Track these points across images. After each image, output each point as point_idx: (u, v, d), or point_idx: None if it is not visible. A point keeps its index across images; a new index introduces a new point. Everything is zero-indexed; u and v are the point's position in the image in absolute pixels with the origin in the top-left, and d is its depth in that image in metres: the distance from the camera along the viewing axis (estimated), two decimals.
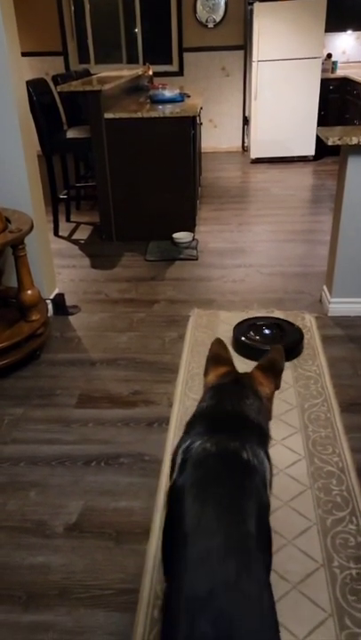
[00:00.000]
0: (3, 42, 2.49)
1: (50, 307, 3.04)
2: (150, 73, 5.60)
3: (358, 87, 5.85)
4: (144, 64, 6.33)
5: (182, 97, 4.45)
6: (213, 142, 7.19)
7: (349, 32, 6.61)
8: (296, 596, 1.50)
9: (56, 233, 4.41)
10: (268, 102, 6.24)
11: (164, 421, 2.21)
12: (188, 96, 4.66)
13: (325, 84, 6.27)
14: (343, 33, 6.61)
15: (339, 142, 2.51)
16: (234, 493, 1.09)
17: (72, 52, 7.11)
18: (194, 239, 4.10)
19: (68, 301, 3.20)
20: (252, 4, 6.02)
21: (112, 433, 2.17)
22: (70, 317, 3.08)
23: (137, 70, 5.44)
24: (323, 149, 6.27)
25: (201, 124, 5.24)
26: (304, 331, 2.75)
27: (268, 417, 1.38)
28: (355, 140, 2.49)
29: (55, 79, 4.62)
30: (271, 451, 1.30)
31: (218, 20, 6.67)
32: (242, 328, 2.74)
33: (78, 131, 4.39)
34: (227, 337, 2.70)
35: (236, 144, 7.30)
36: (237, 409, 1.29)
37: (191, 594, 0.91)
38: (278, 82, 6.13)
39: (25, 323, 2.63)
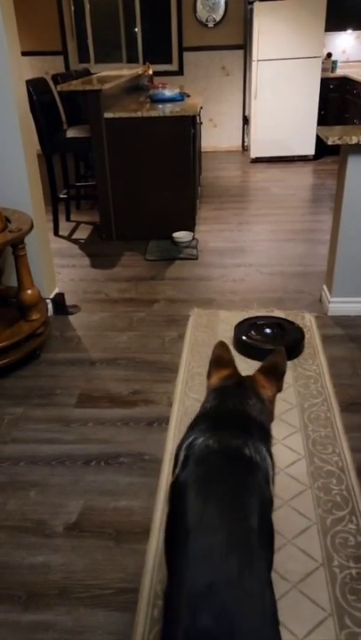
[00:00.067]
0: (3, 41, 2.49)
1: (50, 306, 3.04)
2: (150, 72, 5.60)
3: (358, 86, 5.85)
4: (144, 63, 6.33)
5: (182, 96, 4.45)
6: (213, 142, 7.19)
7: (349, 31, 6.61)
8: (296, 596, 1.50)
9: (56, 232, 4.41)
10: (267, 102, 6.24)
11: (163, 421, 2.21)
12: (188, 95, 4.66)
13: (325, 83, 6.28)
14: (343, 32, 6.61)
15: (339, 142, 2.50)
16: (236, 490, 1.09)
17: (72, 51, 7.11)
18: (194, 238, 4.10)
19: (68, 301, 3.20)
20: (252, 3, 6.02)
21: (112, 432, 2.17)
22: (70, 317, 3.08)
23: (137, 70, 5.43)
24: (323, 149, 6.26)
25: (201, 123, 5.24)
26: (304, 330, 2.75)
27: (270, 418, 1.38)
28: (355, 140, 2.49)
29: (55, 78, 4.62)
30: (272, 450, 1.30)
31: (218, 19, 6.67)
32: (243, 327, 2.74)
33: (78, 130, 4.38)
34: (226, 336, 2.70)
35: (236, 143, 7.30)
36: (240, 408, 1.30)
37: (192, 589, 0.91)
38: (278, 81, 6.13)
39: (25, 322, 2.63)
